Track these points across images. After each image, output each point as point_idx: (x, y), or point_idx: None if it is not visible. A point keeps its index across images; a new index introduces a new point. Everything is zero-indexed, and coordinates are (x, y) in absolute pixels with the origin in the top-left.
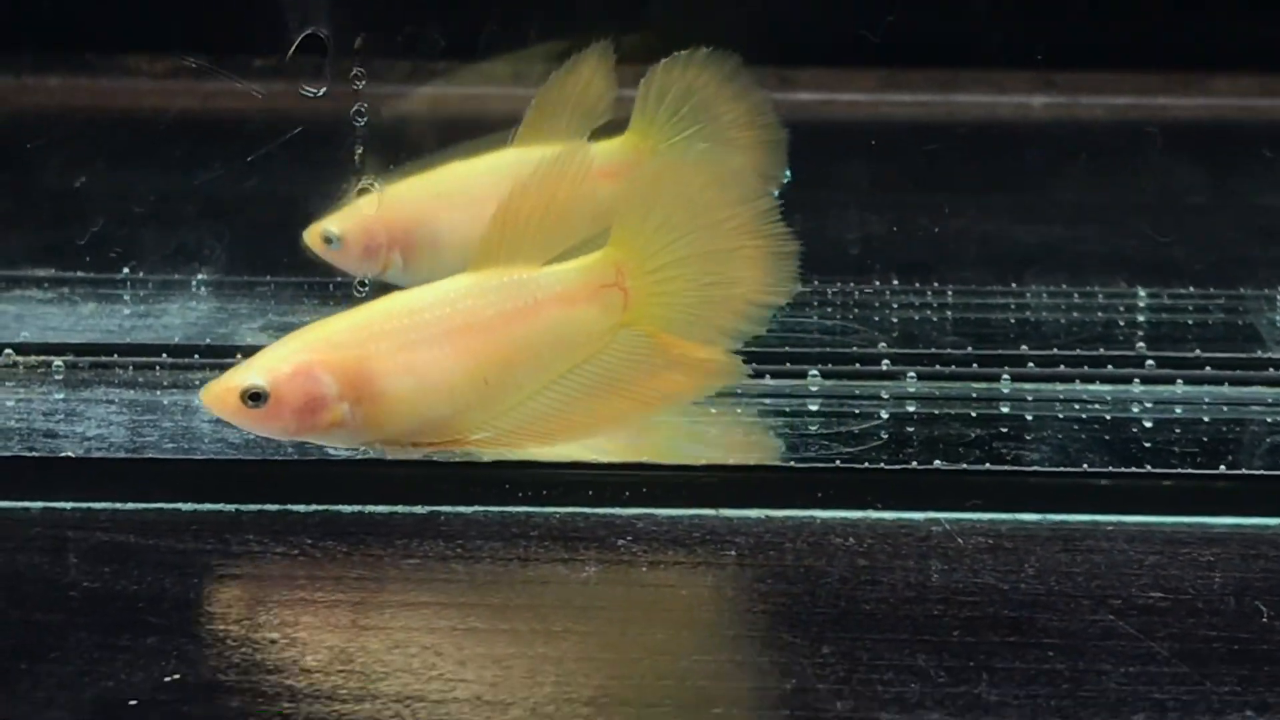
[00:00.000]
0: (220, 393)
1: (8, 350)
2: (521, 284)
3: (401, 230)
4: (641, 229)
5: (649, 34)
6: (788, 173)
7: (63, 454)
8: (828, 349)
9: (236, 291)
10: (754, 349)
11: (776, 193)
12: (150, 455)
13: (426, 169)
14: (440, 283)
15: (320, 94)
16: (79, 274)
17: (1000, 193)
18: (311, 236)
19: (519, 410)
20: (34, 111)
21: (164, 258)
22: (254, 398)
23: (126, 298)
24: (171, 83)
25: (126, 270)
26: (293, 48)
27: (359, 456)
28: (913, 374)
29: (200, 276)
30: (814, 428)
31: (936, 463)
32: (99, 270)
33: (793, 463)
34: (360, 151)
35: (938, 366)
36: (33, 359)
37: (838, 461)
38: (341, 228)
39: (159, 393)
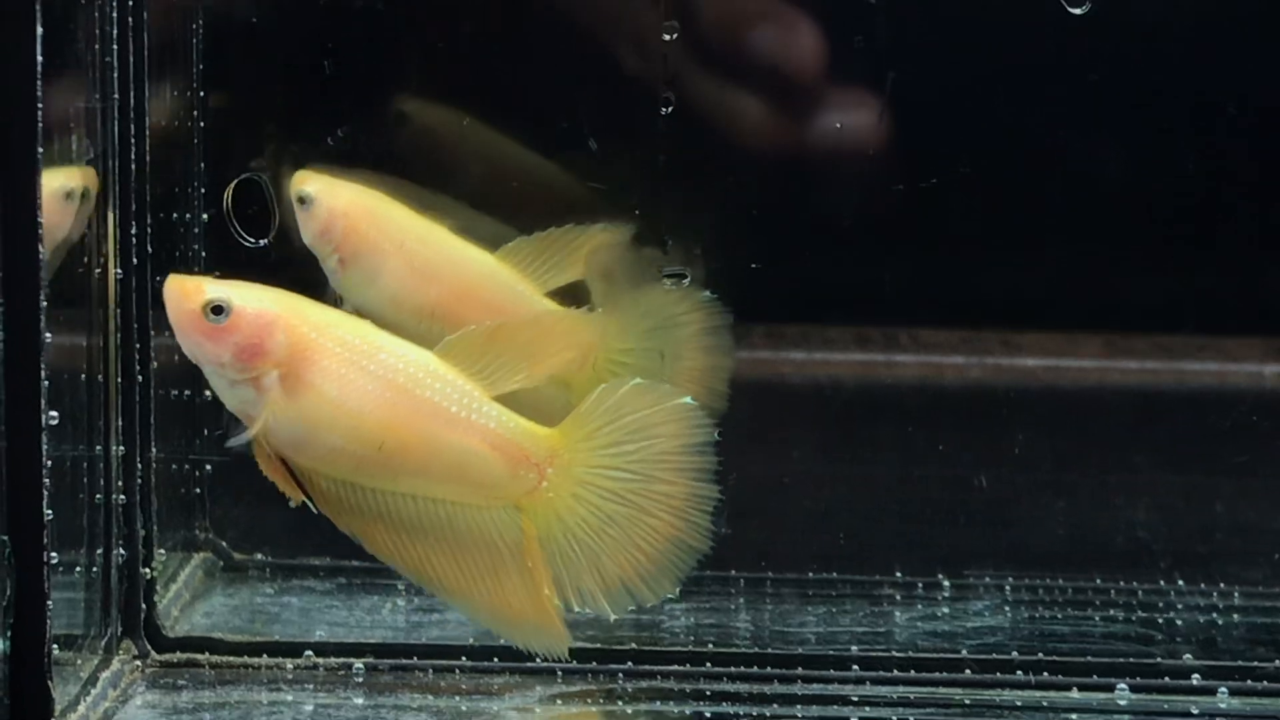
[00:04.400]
0: (192, 287)
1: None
2: (468, 396)
3: (353, 243)
4: (595, 436)
5: None
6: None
7: None
8: (1131, 659)
9: None
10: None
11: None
12: None
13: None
14: (410, 344)
15: None
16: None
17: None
18: (299, 178)
19: (378, 501)
20: None
21: None
22: (216, 310)
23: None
24: None
25: None
26: None
27: None
28: (1224, 689)
29: None
30: None
31: None
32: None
33: None
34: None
35: (1249, 682)
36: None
37: None
38: (318, 194)
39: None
